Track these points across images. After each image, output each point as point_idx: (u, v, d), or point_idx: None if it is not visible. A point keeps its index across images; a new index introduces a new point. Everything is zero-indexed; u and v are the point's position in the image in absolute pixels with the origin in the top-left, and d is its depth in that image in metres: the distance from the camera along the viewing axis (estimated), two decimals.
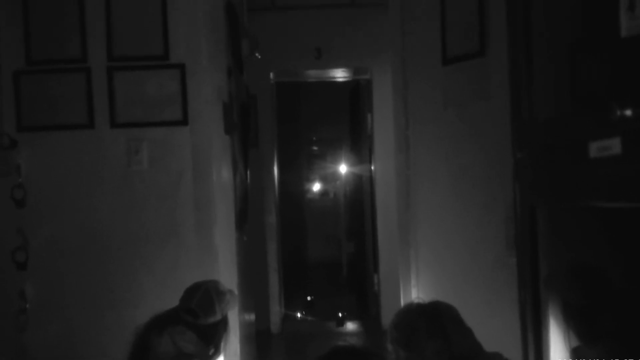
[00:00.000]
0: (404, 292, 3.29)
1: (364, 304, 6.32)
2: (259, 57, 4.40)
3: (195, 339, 2.19)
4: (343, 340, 5.13)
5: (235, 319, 3.12)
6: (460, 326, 1.90)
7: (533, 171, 1.65)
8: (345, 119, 7.66)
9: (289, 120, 8.02)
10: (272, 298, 5.70)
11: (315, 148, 9.36)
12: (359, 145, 6.33)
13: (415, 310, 1.92)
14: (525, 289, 1.71)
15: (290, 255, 7.09)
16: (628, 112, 1.16)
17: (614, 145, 1.22)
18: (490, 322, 2.46)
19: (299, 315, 6.47)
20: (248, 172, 3.95)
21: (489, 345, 1.96)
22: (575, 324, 1.60)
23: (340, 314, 6.27)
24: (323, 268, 8.70)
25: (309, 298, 7.20)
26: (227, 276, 3.10)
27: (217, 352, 2.27)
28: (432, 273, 3.14)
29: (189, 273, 2.86)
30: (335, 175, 9.23)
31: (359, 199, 6.53)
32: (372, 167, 5.60)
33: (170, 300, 2.35)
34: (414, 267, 3.24)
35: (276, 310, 5.78)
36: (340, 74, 5.79)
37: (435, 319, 1.86)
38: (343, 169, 9.05)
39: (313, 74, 5.78)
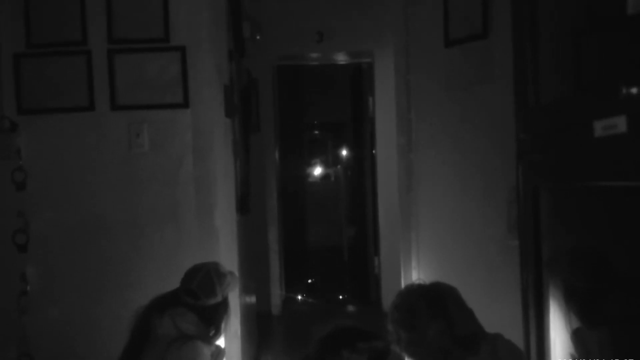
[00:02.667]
0: (405, 274, 3.30)
1: (365, 286, 6.32)
2: (261, 40, 4.41)
3: (196, 320, 2.19)
4: (344, 321, 5.14)
5: (236, 300, 3.12)
6: (461, 307, 1.89)
7: (536, 152, 1.64)
8: (347, 102, 7.61)
9: (290, 104, 7.99)
10: (273, 280, 5.70)
11: (316, 132, 9.34)
12: (361, 129, 6.30)
13: (416, 291, 1.90)
14: (527, 272, 1.69)
15: (291, 238, 7.07)
16: (634, 90, 1.13)
17: (620, 124, 1.19)
18: (491, 303, 2.46)
19: (299, 297, 6.50)
20: (249, 156, 3.95)
21: (490, 326, 1.96)
22: (577, 306, 1.58)
23: (341, 297, 6.30)
24: (324, 251, 8.71)
25: (309, 281, 7.22)
26: (228, 258, 3.09)
27: (217, 334, 2.27)
28: (434, 255, 3.14)
29: (190, 255, 2.87)
30: (337, 159, 9.33)
31: (361, 182, 6.52)
32: (374, 151, 5.58)
33: (171, 282, 2.35)
34: (415, 250, 3.25)
35: (277, 293, 5.78)
36: (342, 58, 5.78)
37: (436, 300, 1.85)
38: (344, 152, 9.08)
39: (315, 58, 5.74)
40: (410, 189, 3.27)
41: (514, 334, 1.88)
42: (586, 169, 1.37)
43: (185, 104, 2.96)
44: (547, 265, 1.67)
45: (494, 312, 2.23)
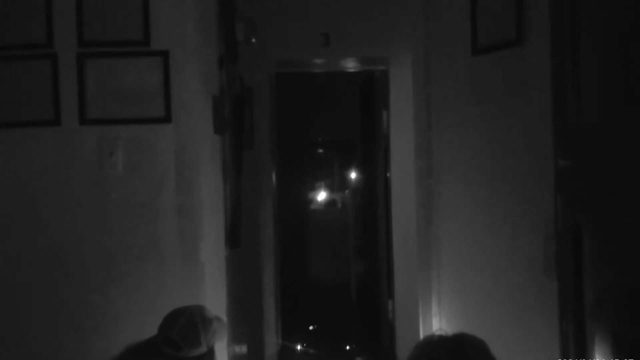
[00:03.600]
0: (424, 321, 3.33)
1: (376, 335, 6.35)
2: (256, 43, 4.42)
3: None
4: None
5: (223, 351, 3.15)
6: None
7: (579, 182, 1.63)
8: (357, 116, 7.68)
9: (290, 117, 8.01)
10: (267, 327, 5.69)
11: (320, 151, 9.40)
12: (373, 148, 6.36)
13: (437, 344, 1.89)
14: (568, 319, 1.70)
15: (289, 276, 7.10)
16: None
17: None
18: (525, 358, 2.51)
19: (299, 347, 6.51)
20: (241, 179, 3.99)
21: None
22: None
23: (348, 347, 6.30)
24: (328, 291, 8.81)
25: (311, 327, 7.24)
26: (215, 300, 3.14)
27: None
28: (457, 300, 3.17)
29: (170, 296, 2.90)
30: (344, 183, 9.33)
31: (372, 211, 6.56)
32: (388, 174, 5.60)
33: (149, 328, 2.38)
34: (435, 293, 3.27)
35: (272, 341, 5.77)
36: (351, 64, 5.83)
37: (460, 355, 1.84)
38: (353, 175, 9.12)
39: (319, 64, 5.81)
40: (431, 220, 3.28)
41: None
42: (636, 204, 1.35)
43: (167, 118, 2.97)
44: (591, 313, 1.67)
45: None
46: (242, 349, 4.16)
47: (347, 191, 9.27)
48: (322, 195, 9.46)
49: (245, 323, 4.36)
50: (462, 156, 3.11)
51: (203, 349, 2.27)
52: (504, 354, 1.99)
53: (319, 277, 9.03)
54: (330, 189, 9.45)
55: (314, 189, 9.43)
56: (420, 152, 3.35)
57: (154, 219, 2.99)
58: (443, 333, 1.98)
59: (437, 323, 3.23)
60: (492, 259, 2.95)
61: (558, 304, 1.75)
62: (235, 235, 3.68)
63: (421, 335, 3.24)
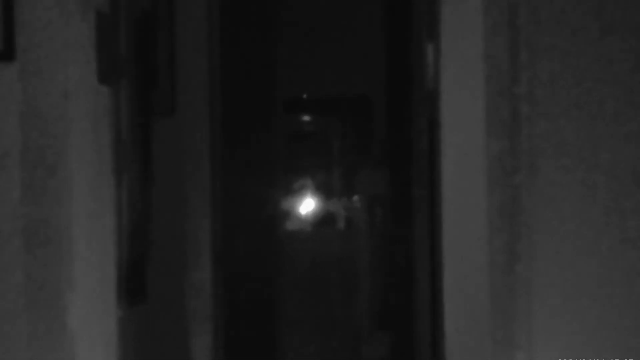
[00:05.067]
0: None
1: None
2: None
3: None
4: None
5: None
6: None
7: None
8: (377, 56, 7.30)
9: (248, 54, 7.67)
10: None
11: (305, 119, 8.95)
12: (405, 115, 6.13)
13: None
14: None
15: None
16: None
17: None
18: None
19: None
20: (151, 173, 4.10)
21: None
22: None
23: None
24: None
25: None
26: None
27: None
28: None
29: None
30: (351, 182, 9.03)
31: (404, 235, 6.26)
32: (437, 166, 5.24)
33: None
34: None
35: None
36: None
37: None
38: (369, 168, 8.73)
39: None
40: (518, 256, 3.13)
41: None
42: None
43: (6, 53, 2.90)
44: None
45: None
46: None
47: (356, 198, 8.85)
48: (308, 206, 9.03)
49: None
50: (575, 133, 3.09)
51: None
52: None
53: None
54: (325, 193, 9.06)
55: (293, 193, 9.04)
56: (497, 124, 3.19)
57: None
58: None
59: None
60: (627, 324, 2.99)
61: None
62: (138, 282, 3.76)
63: None
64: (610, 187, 3.04)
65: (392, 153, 7.17)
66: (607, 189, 3.03)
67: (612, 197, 3.03)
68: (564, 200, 3.08)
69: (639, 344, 2.94)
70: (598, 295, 3.00)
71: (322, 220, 8.67)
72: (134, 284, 3.71)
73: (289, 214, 8.71)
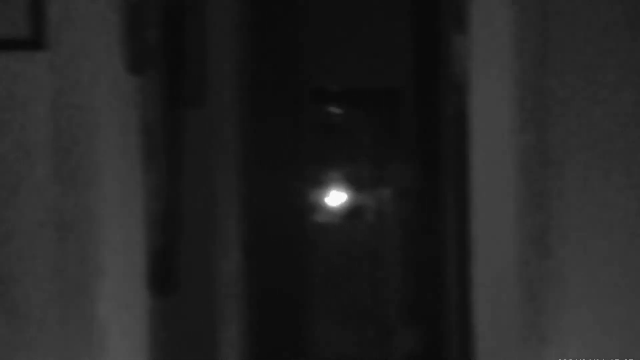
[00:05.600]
0: None
1: None
2: None
3: None
4: None
5: None
6: None
7: None
8: (405, 48, 7.44)
9: (277, 46, 7.88)
10: None
11: (334, 111, 9.28)
12: (434, 106, 6.31)
13: None
14: None
15: (270, 349, 7.03)
16: None
17: None
18: None
19: None
20: (181, 162, 4.09)
21: None
22: None
23: None
24: None
25: None
26: None
27: None
28: None
29: None
30: (380, 174, 9.19)
31: (432, 228, 6.48)
32: (466, 158, 5.24)
33: None
34: None
35: None
36: None
37: None
38: (397, 160, 8.84)
39: None
40: (548, 250, 3.18)
41: None
42: None
43: (36, 42, 2.89)
44: None
45: None
46: None
47: (384, 191, 8.99)
48: (336, 199, 9.20)
49: None
50: (607, 125, 3.12)
51: None
52: None
53: (329, 355, 8.77)
54: (354, 186, 9.17)
55: (322, 185, 9.18)
56: (526, 117, 3.30)
57: (6, 239, 2.91)
58: None
59: None
60: None
61: None
62: (167, 271, 3.71)
63: None
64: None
65: (421, 145, 7.28)
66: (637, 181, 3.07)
67: None
68: (593, 193, 3.13)
69: None
70: (630, 287, 3.03)
71: (351, 212, 8.76)
72: (165, 275, 3.73)
73: (317, 206, 8.81)
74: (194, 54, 4.71)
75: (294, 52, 8.12)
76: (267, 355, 6.79)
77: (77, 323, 2.91)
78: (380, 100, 8.65)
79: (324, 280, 8.48)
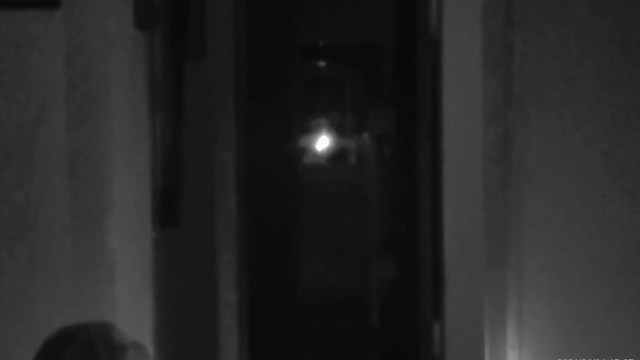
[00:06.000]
0: (492, 357, 3.32)
1: None
2: None
3: None
4: None
5: None
6: None
7: None
8: (385, 7, 7.49)
9: (268, 7, 7.83)
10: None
11: (321, 64, 9.16)
12: (411, 61, 6.22)
13: None
14: None
15: (264, 279, 6.96)
16: None
17: None
18: None
19: None
20: (183, 110, 4.08)
21: None
22: None
23: None
24: (330, 307, 8.42)
25: None
26: (133, 314, 3.09)
27: None
28: (551, 321, 3.19)
29: (53, 306, 2.89)
30: (362, 122, 9.27)
31: (409, 168, 6.45)
32: (439, 106, 5.30)
33: (19, 357, 2.47)
34: (513, 308, 3.26)
35: None
36: None
37: None
38: (378, 108, 8.88)
39: None
40: (508, 183, 3.28)
41: None
42: None
43: (53, 0, 2.90)
44: None
45: None
46: None
47: (366, 135, 9.12)
48: (323, 143, 9.26)
49: (187, 355, 4.35)
50: (564, 78, 3.17)
51: None
52: None
53: (315, 283, 8.79)
54: (339, 131, 9.28)
55: (310, 130, 9.24)
56: (493, 66, 3.34)
57: (25, 178, 2.95)
58: None
59: (514, 359, 3.24)
60: (610, 252, 3.08)
61: None
62: (170, 208, 3.75)
63: None
64: (606, 127, 3.12)
65: (399, 95, 7.30)
66: (602, 128, 3.12)
67: (607, 134, 3.11)
68: (555, 136, 3.20)
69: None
70: (600, 221, 3.09)
71: (336, 155, 8.93)
72: (167, 209, 3.69)
73: (306, 150, 8.91)
74: (195, 12, 4.65)
75: (286, 11, 8.20)
76: (260, 282, 6.63)
77: (89, 252, 2.95)
78: (363, 55, 8.77)
79: (311, 215, 8.55)
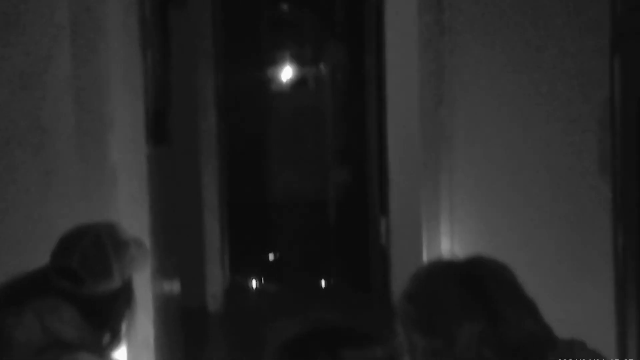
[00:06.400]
0: (429, 244, 3.42)
1: (364, 265, 6.48)
2: None
3: (77, 319, 2.17)
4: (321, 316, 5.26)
5: (146, 287, 3.23)
6: (516, 297, 1.86)
7: None
8: None
9: None
10: (209, 256, 5.78)
11: (284, 7, 9.41)
12: (359, 1, 6.38)
13: (444, 273, 1.89)
14: (626, 233, 1.70)
15: (241, 186, 7.18)
16: None
17: None
18: (568, 291, 2.59)
19: (254, 283, 6.69)
20: (170, 45, 4.12)
21: (565, 328, 1.91)
22: None
23: (324, 281, 6.48)
24: (296, 209, 8.87)
25: (271, 256, 7.42)
26: (132, 216, 3.23)
27: (115, 341, 2.29)
28: (477, 212, 3.28)
29: (66, 210, 2.99)
30: (319, 53, 9.28)
31: (359, 92, 6.67)
32: (382, 38, 5.61)
33: (36, 255, 2.37)
34: (446, 203, 3.35)
35: (217, 276, 5.87)
36: None
37: (474, 286, 1.83)
38: (333, 42, 8.79)
39: None
40: (441, 98, 3.33)
41: (603, 339, 1.95)
42: None
43: None
44: None
45: (573, 302, 2.33)
46: (174, 286, 4.26)
47: (322, 65, 9.23)
48: (287, 72, 9.40)
49: (178, 249, 4.43)
50: (490, 8, 3.18)
51: (115, 283, 2.24)
52: (537, 285, 1.95)
53: (284, 188, 8.99)
54: (299, 61, 9.40)
55: (276, 62, 9.36)
56: (429, 2, 3.35)
57: (39, 103, 3.06)
58: (453, 257, 2.00)
59: (447, 245, 3.30)
60: (528, 153, 3.08)
61: (611, 213, 1.83)
62: (161, 126, 3.81)
63: (424, 262, 3.26)
64: (522, 48, 3.13)
65: (350, 30, 7.43)
66: (512, 47, 3.14)
67: (523, 49, 3.12)
68: (482, 56, 3.22)
69: (559, 175, 2.98)
70: (516, 131, 3.15)
71: (298, 83, 9.27)
72: (159, 128, 3.77)
73: (273, 78, 9.17)
74: None
75: None
76: (239, 183, 7.00)
77: (96, 167, 3.14)
78: None
79: (278, 131, 8.93)
